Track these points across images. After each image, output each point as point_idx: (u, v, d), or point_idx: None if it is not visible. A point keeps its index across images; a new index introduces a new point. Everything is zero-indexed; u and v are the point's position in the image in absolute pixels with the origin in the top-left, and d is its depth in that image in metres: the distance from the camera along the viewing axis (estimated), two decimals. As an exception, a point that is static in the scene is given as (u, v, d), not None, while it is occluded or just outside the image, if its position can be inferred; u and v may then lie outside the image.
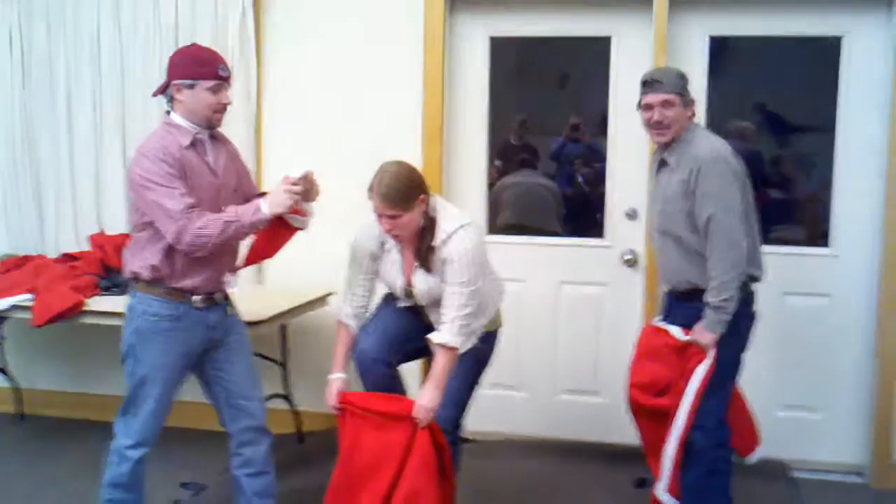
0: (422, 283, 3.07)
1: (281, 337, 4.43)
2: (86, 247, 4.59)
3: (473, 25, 4.36)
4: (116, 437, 3.16)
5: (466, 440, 4.49)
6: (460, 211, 3.16)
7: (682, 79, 3.23)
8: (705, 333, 3.15)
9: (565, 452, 4.36)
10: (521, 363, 4.49)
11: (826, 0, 4.03)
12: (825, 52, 4.08)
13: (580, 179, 4.53)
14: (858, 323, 4.16)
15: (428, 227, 3.02)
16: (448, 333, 2.97)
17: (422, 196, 2.99)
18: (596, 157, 4.45)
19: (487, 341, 3.19)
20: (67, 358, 4.96)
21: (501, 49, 4.39)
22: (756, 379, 4.23)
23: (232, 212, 2.94)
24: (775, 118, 4.32)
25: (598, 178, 4.41)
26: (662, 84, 3.19)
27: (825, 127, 4.12)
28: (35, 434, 4.73)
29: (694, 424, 3.22)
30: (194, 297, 3.05)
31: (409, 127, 4.33)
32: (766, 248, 4.13)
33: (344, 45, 4.39)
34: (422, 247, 3.03)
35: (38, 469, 4.26)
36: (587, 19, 4.24)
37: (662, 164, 3.27)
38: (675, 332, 3.27)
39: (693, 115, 3.25)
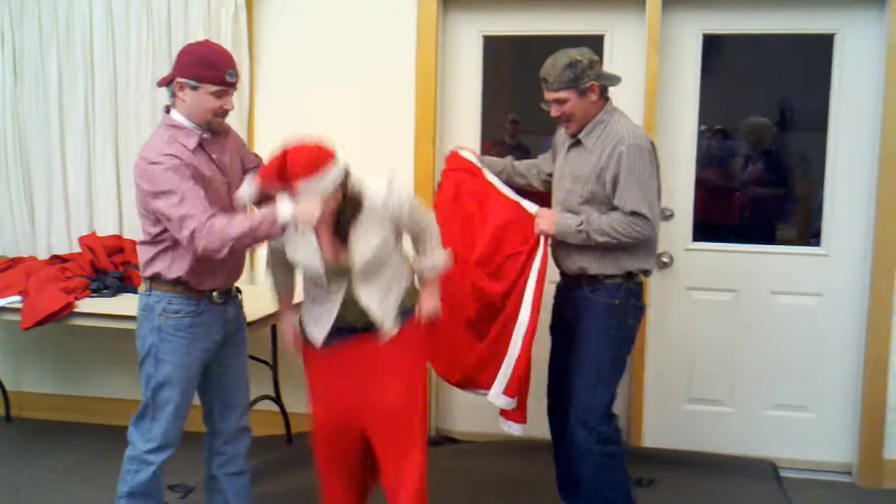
0: (365, 249, 2.88)
1: (272, 338, 4.40)
2: (78, 249, 4.56)
3: (466, 24, 4.36)
4: (133, 444, 3.08)
5: (454, 440, 4.50)
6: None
7: (571, 68, 3.10)
8: (552, 224, 3.14)
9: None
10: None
11: (818, -3, 4.04)
12: (818, 50, 4.08)
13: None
14: (849, 322, 4.16)
15: (351, 202, 2.84)
16: (437, 256, 3.04)
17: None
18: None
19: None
20: (56, 360, 4.93)
21: (494, 47, 4.38)
22: (745, 377, 4.27)
23: (246, 222, 2.77)
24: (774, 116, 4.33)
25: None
26: (549, 82, 3.14)
27: (817, 125, 4.12)
28: (23, 437, 4.69)
29: (578, 423, 3.20)
30: (214, 293, 3.04)
31: (402, 125, 4.32)
32: (756, 247, 4.20)
33: (336, 43, 4.38)
34: (343, 219, 2.86)
35: (25, 472, 4.22)
36: (580, 17, 4.23)
37: (577, 143, 3.20)
38: (527, 205, 3.25)
39: (598, 98, 3.15)
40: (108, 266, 4.32)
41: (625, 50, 4.19)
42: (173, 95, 2.95)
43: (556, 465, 3.57)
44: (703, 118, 4.17)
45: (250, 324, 3.70)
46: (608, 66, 4.17)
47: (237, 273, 3.15)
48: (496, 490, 3.93)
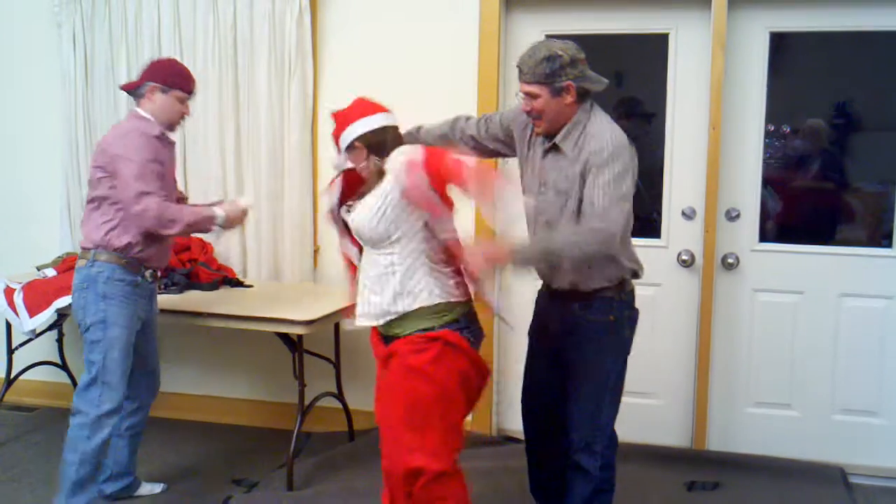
0: (362, 217, 2.81)
1: (334, 335, 4.44)
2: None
3: (529, 23, 4.34)
4: (84, 412, 3.35)
5: (515, 440, 4.49)
6: None
7: (549, 62, 2.81)
8: (502, 256, 2.71)
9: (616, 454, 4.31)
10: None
11: (889, -7, 3.93)
12: (890, 47, 3.99)
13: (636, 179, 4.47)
14: (922, 325, 4.05)
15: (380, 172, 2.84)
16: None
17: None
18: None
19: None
20: (125, 354, 5.02)
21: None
22: (813, 381, 4.18)
23: (195, 215, 3.36)
24: (843, 116, 4.23)
25: (655, 177, 4.35)
26: (523, 72, 2.88)
27: (889, 124, 4.03)
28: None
29: (582, 446, 3.04)
30: (147, 272, 3.44)
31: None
32: (824, 249, 4.11)
33: (399, 44, 4.41)
34: (367, 186, 2.87)
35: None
36: (644, 15, 4.19)
37: (554, 148, 2.92)
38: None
39: (575, 101, 2.86)
40: (175, 263, 4.41)
41: (690, 48, 4.14)
42: (140, 98, 3.43)
43: (531, 470, 3.40)
44: (770, 117, 4.10)
45: (312, 322, 3.77)
46: (672, 65, 4.18)
47: (165, 254, 3.59)
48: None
